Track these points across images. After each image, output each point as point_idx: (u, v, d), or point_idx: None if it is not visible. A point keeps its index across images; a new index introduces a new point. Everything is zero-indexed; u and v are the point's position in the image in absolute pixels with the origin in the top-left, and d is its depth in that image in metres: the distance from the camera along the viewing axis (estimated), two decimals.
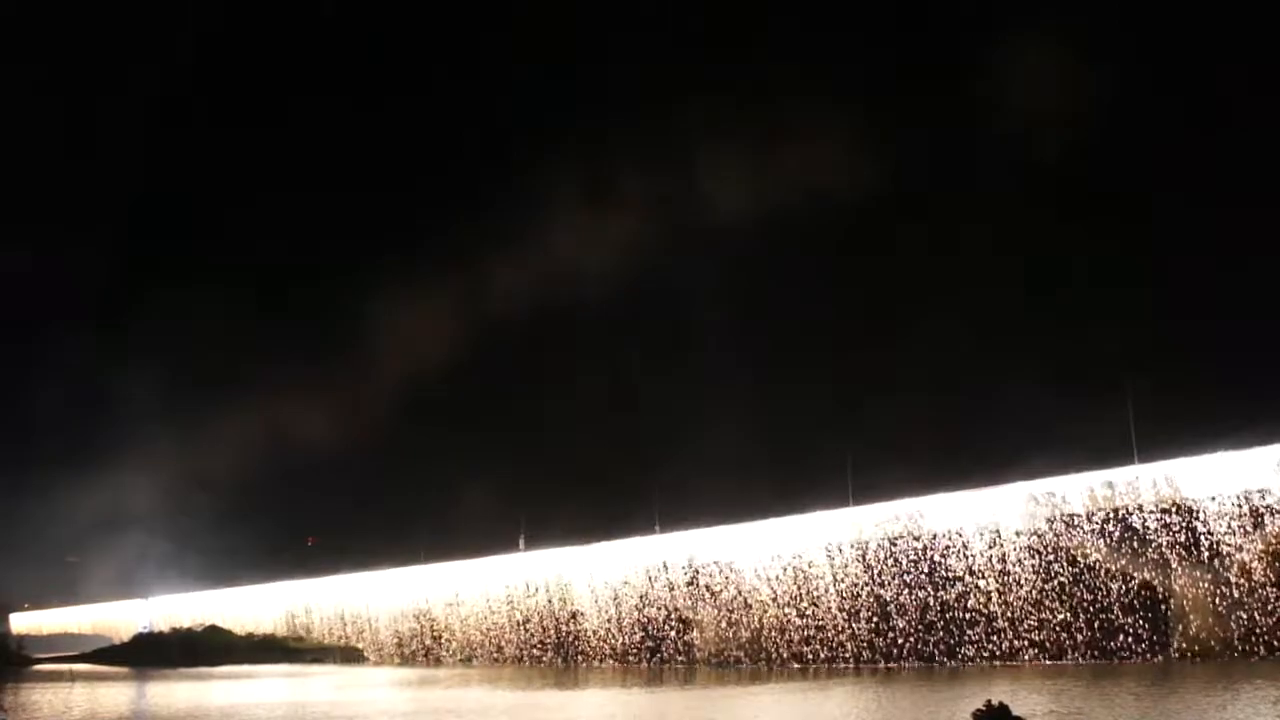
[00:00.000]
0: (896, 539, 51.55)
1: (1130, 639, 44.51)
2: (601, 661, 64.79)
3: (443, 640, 77.81)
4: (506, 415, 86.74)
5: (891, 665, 50.57)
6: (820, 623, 54.31)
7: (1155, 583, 44.35)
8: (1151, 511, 44.21)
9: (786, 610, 55.71)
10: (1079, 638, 45.71)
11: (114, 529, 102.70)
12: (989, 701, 22.96)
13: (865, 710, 35.22)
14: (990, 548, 48.51)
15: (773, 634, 56.29)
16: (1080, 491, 46.11)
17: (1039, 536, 47.06)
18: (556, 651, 68.34)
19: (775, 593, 56.32)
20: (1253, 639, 41.40)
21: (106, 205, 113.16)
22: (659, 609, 62.38)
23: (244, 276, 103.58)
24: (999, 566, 48.24)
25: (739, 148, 73.50)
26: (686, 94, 78.83)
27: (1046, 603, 46.69)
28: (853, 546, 53.07)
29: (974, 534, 49.00)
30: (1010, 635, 47.58)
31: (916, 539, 50.87)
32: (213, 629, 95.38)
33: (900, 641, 51.00)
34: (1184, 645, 43.11)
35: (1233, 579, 42.15)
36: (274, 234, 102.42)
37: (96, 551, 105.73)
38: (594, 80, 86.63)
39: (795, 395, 66.39)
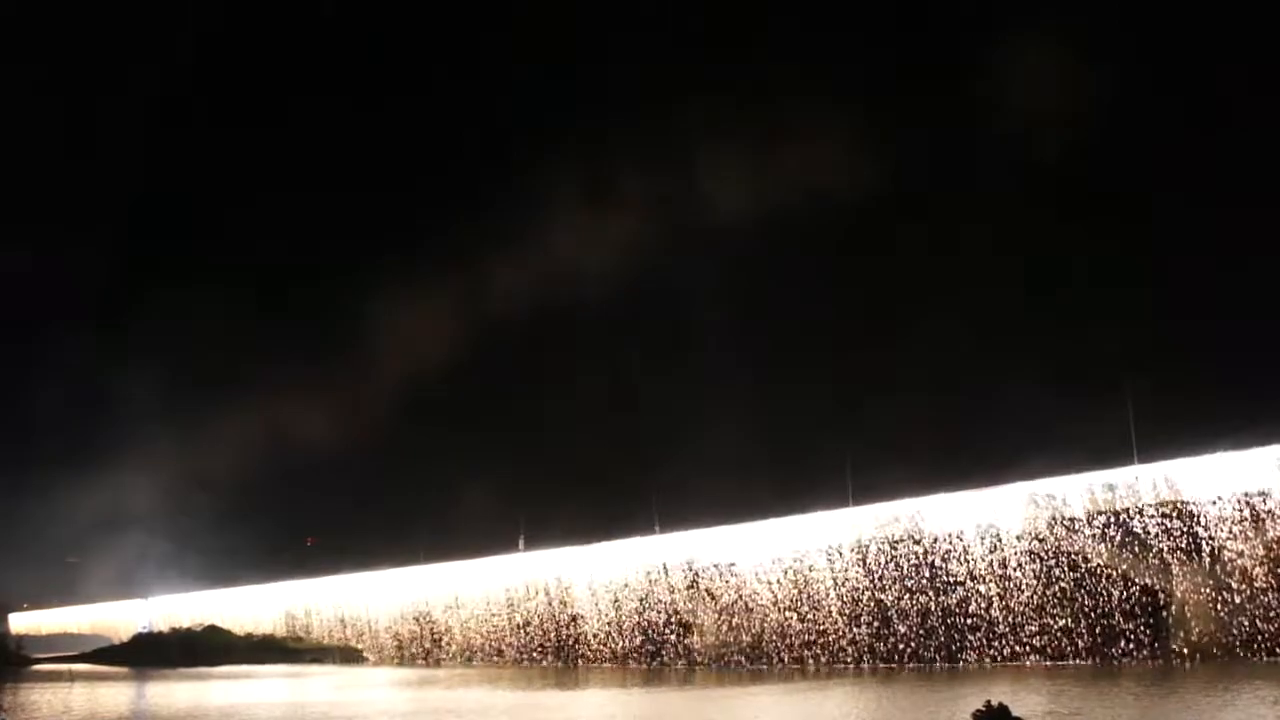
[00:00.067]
0: (897, 543, 51.50)
1: (1131, 643, 44.44)
2: (601, 664, 64.73)
3: (443, 643, 77.79)
4: (506, 415, 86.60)
5: (892, 666, 50.53)
6: (821, 627, 54.26)
7: (1155, 585, 44.27)
8: (1152, 517, 44.13)
9: (788, 615, 55.63)
10: (1080, 644, 45.61)
11: (114, 529, 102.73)
12: (988, 702, 23.00)
13: (865, 710, 35.24)
14: (991, 552, 48.44)
15: (774, 639, 56.23)
16: (1080, 493, 46.07)
17: (1040, 542, 46.99)
18: (556, 655, 68.30)
19: (776, 597, 56.25)
20: (1255, 644, 41.28)
21: (106, 205, 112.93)
22: (659, 613, 62.34)
23: (244, 276, 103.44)
24: (999, 572, 48.18)
25: (739, 148, 73.39)
26: (686, 94, 78.71)
27: (1048, 608, 46.62)
28: (853, 551, 53.01)
29: (974, 535, 48.93)
30: (1011, 641, 47.49)
31: (917, 542, 50.80)
32: (212, 629, 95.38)
33: (901, 647, 50.94)
34: (1183, 647, 43.06)
35: (1234, 583, 42.06)
36: (274, 234, 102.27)
37: (96, 551, 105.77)
38: (594, 80, 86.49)
39: (795, 395, 66.27)
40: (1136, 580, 44.74)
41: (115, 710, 46.51)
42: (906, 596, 51.07)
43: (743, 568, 57.87)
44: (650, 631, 62.74)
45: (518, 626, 71.31)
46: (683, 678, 53.41)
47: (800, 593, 55.13)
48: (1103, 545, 45.42)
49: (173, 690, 58.45)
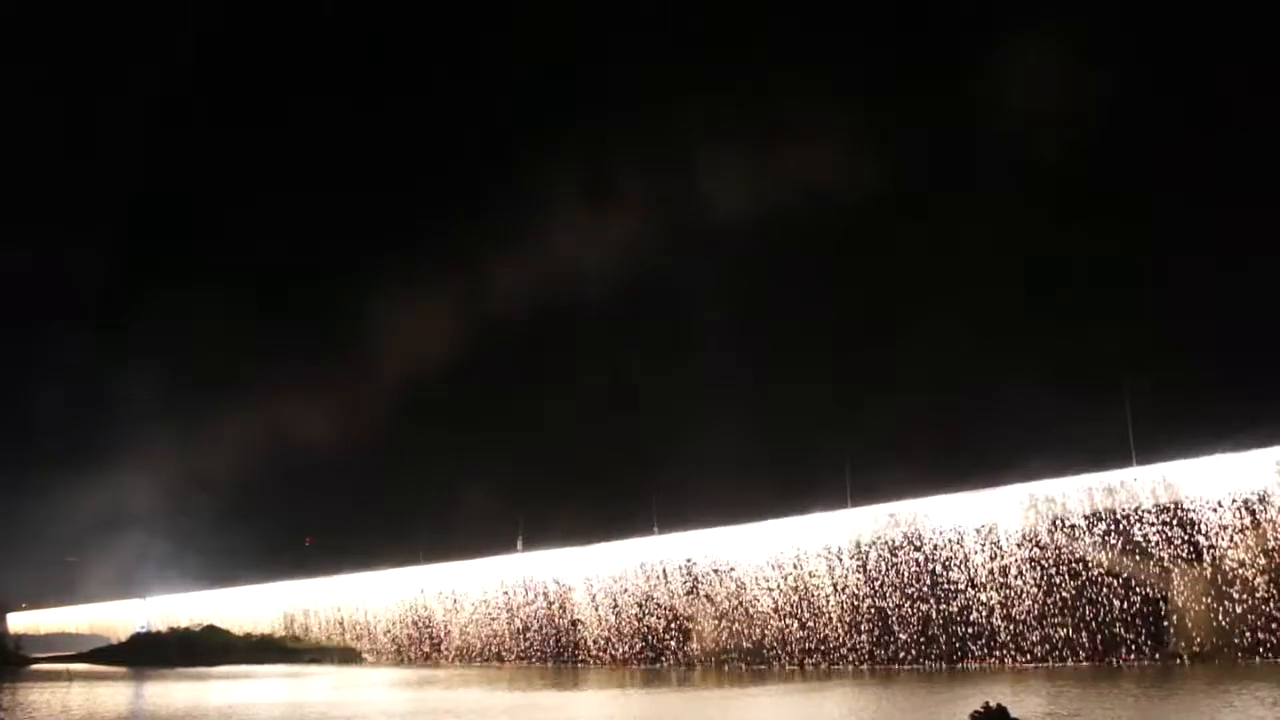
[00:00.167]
0: (897, 549, 51.36)
1: (1131, 653, 44.32)
2: (601, 666, 64.59)
3: (442, 646, 77.65)
4: (506, 415, 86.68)
5: (891, 667, 50.42)
6: (822, 634, 54.06)
7: (1156, 594, 44.14)
8: (1153, 525, 43.99)
9: (788, 621, 55.45)
10: (1081, 654, 45.48)
11: (113, 529, 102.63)
12: (987, 703, 22.84)
13: (864, 711, 35.16)
14: (992, 559, 48.29)
15: (774, 646, 56.05)
16: (1079, 496, 45.94)
17: (1041, 549, 46.85)
18: (556, 659, 68.17)
19: (776, 602, 56.06)
20: (1257, 654, 41.11)
21: (106, 205, 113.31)
22: (659, 618, 62.15)
23: (244, 276, 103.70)
24: (1000, 580, 48.03)
25: (739, 148, 73.48)
26: (686, 94, 78.85)
27: (1049, 616, 46.48)
28: (853, 557, 52.89)
29: (974, 542, 48.75)
30: (1012, 650, 47.35)
31: (918, 549, 50.63)
32: (211, 629, 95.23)
33: (902, 655, 50.81)
34: (1182, 648, 42.94)
35: (1234, 593, 41.93)
36: (274, 234, 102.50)
37: (95, 551, 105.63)
38: (594, 80, 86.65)
39: (795, 395, 66.29)
40: (1138, 589, 44.61)
41: (113, 710, 46.40)
42: (907, 604, 50.93)
43: (742, 571, 57.71)
44: (650, 637, 62.58)
45: (517, 631, 71.15)
46: (681, 678, 53.32)
47: (801, 600, 54.95)
48: (1103, 553, 45.29)
49: (171, 690, 58.35)
